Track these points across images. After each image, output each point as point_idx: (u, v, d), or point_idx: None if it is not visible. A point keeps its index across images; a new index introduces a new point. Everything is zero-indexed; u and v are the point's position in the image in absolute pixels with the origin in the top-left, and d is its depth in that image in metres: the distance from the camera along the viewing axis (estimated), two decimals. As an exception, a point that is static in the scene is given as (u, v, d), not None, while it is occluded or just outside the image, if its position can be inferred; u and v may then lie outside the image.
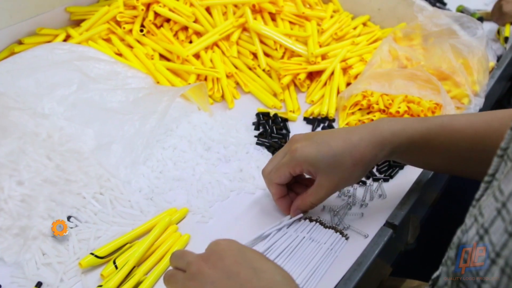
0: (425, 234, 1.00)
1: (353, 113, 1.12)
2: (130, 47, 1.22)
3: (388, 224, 0.84)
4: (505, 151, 0.51)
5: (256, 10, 1.29)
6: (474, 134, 0.77)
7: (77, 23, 1.25)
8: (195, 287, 0.60)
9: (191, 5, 1.27)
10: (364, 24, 1.38)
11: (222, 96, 1.16)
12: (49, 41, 1.18)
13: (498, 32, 1.47)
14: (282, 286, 0.57)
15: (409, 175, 0.95)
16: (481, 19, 1.46)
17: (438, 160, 0.82)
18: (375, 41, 1.31)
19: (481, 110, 1.10)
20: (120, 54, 1.20)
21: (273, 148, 1.02)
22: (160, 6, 1.23)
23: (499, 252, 0.45)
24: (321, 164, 0.77)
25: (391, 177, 0.96)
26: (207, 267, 0.59)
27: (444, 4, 1.59)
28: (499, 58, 1.31)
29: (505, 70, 1.28)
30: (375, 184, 0.94)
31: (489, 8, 1.58)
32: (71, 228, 0.82)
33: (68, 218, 0.83)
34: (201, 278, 0.59)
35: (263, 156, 1.00)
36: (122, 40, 1.23)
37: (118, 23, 1.24)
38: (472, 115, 0.83)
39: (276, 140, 1.04)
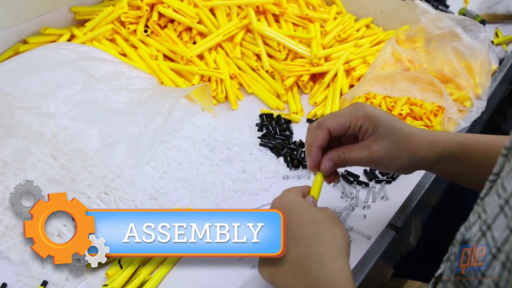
0: (426, 235, 1.00)
1: (355, 115, 1.12)
2: (134, 47, 1.22)
3: (390, 226, 0.84)
4: (509, 150, 0.51)
5: (260, 12, 1.30)
6: None
7: (82, 23, 1.26)
8: None
9: (195, 6, 1.27)
10: (367, 26, 1.39)
11: (226, 97, 1.16)
12: (53, 41, 1.19)
13: (496, 34, 1.48)
14: (315, 258, 0.60)
15: (411, 177, 0.96)
16: (483, 21, 1.47)
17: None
18: (378, 43, 1.32)
19: (483, 113, 1.10)
20: (124, 55, 1.20)
21: (276, 149, 1.02)
22: (164, 6, 1.23)
23: (500, 248, 0.46)
24: (383, 126, 0.73)
25: (394, 179, 0.97)
26: None
27: (447, 6, 1.60)
28: (501, 61, 1.32)
29: (507, 73, 1.29)
30: (378, 186, 0.94)
31: (492, 11, 1.59)
32: (75, 228, 0.82)
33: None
34: None
35: (267, 157, 1.01)
36: (126, 40, 1.23)
37: (122, 24, 1.24)
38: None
39: (280, 141, 1.04)
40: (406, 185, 0.94)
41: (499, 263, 0.45)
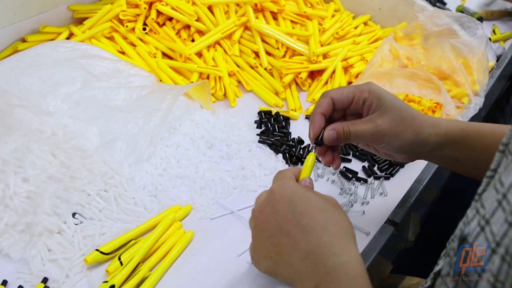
0: (423, 232, 1.01)
1: (354, 112, 1.13)
2: (133, 45, 1.23)
3: (389, 221, 0.85)
4: (506, 146, 0.52)
5: (258, 9, 1.30)
6: None
7: (80, 21, 1.26)
8: (258, 237, 0.67)
9: (194, 3, 1.28)
10: (365, 24, 1.39)
11: (224, 95, 1.17)
12: (52, 39, 1.19)
13: (494, 31, 1.48)
14: (327, 248, 0.59)
15: (410, 173, 0.97)
16: (480, 19, 1.47)
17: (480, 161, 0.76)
18: (375, 40, 1.32)
19: (481, 109, 1.11)
20: (123, 52, 1.20)
21: (275, 146, 1.03)
22: (162, 4, 1.24)
23: (499, 242, 0.46)
24: (388, 101, 0.73)
25: (392, 175, 0.97)
26: (263, 220, 0.65)
27: (444, 4, 1.60)
28: (498, 58, 1.32)
29: (504, 69, 1.29)
30: (376, 182, 0.95)
31: (489, 8, 1.59)
32: (76, 224, 0.83)
33: (73, 214, 0.83)
34: (260, 230, 0.66)
35: (265, 154, 1.01)
36: (124, 38, 1.23)
37: (120, 22, 1.24)
38: None
39: (278, 138, 1.05)
40: (404, 181, 0.95)
41: (499, 257, 0.45)
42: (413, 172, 0.96)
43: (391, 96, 0.75)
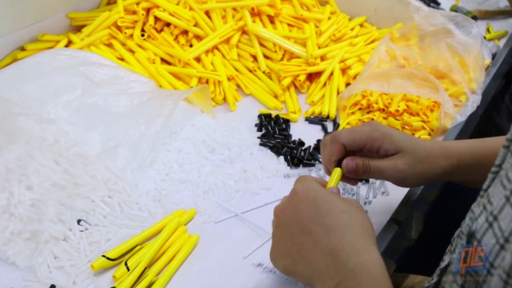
0: (424, 231, 1.01)
1: (353, 113, 1.13)
2: (132, 51, 1.23)
3: (393, 220, 0.85)
4: (511, 142, 0.52)
5: (255, 13, 1.31)
6: None
7: (78, 28, 1.26)
8: (279, 236, 0.67)
9: (191, 9, 1.28)
10: (361, 25, 1.40)
11: (224, 99, 1.17)
12: (51, 47, 1.19)
13: (488, 29, 1.50)
14: (350, 247, 0.59)
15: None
16: (474, 18, 1.48)
17: None
18: (372, 41, 1.33)
19: (478, 107, 1.11)
20: (122, 59, 1.21)
21: (276, 149, 1.03)
22: (160, 10, 1.24)
23: (507, 238, 0.47)
24: (404, 144, 0.75)
25: (393, 175, 0.98)
26: (285, 219, 0.65)
27: (438, 4, 1.62)
28: (493, 56, 1.34)
29: (500, 67, 1.30)
30: (378, 182, 0.96)
31: (482, 7, 1.61)
32: (81, 231, 0.83)
33: (78, 221, 0.84)
34: (281, 228, 0.66)
35: (267, 156, 1.02)
36: (123, 45, 1.24)
37: (119, 28, 1.25)
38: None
39: (279, 140, 1.05)
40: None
41: (509, 252, 0.46)
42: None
43: (405, 137, 0.77)
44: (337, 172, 0.76)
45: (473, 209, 0.56)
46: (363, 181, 0.95)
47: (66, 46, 1.21)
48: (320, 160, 1.01)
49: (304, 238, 0.63)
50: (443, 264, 0.65)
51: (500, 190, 0.50)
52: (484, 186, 0.56)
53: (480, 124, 1.28)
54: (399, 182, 0.78)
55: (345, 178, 0.78)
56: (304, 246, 0.62)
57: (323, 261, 0.61)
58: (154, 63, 1.20)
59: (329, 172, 0.78)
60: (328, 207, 0.63)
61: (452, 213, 1.23)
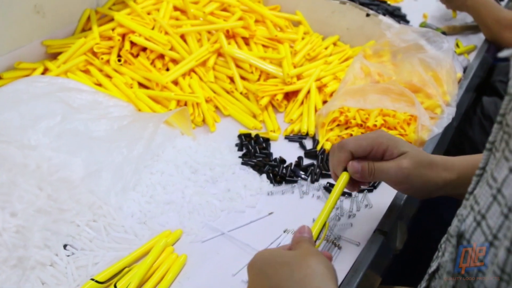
0: (405, 244, 1.03)
1: (331, 129, 1.15)
2: (109, 77, 1.23)
3: (378, 231, 0.87)
4: (493, 144, 0.54)
5: (230, 36, 1.33)
6: None
7: (54, 56, 1.26)
8: None
9: (166, 33, 1.29)
10: (335, 44, 1.42)
11: (203, 121, 1.18)
12: (27, 75, 1.19)
13: (457, 44, 1.54)
14: None
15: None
16: (444, 33, 1.52)
17: None
18: (346, 59, 1.35)
19: (453, 119, 1.14)
20: (99, 84, 1.21)
21: (258, 167, 1.04)
22: (136, 35, 1.25)
23: (496, 234, 0.48)
24: (408, 148, 0.79)
25: (375, 187, 0.99)
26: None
27: (407, 22, 1.65)
28: (464, 70, 1.37)
29: (471, 80, 1.33)
30: (361, 195, 0.97)
31: (450, 23, 1.65)
32: (68, 256, 0.82)
33: (64, 246, 0.83)
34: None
35: (249, 175, 1.02)
36: (100, 70, 1.24)
37: (95, 54, 1.25)
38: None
39: (260, 159, 1.06)
40: (387, 192, 0.96)
41: (503, 249, 0.46)
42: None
43: (408, 143, 0.81)
44: (343, 176, 0.79)
45: (459, 212, 0.58)
46: (345, 195, 0.96)
47: (43, 73, 1.20)
48: (302, 176, 1.02)
49: None
50: (431, 269, 0.66)
51: (487, 190, 0.51)
52: (469, 189, 0.58)
53: (454, 136, 1.30)
54: (401, 183, 0.79)
55: (349, 184, 0.81)
56: None
57: None
58: (131, 87, 1.21)
59: (336, 178, 0.81)
60: (271, 268, 0.62)
61: (428, 228, 1.25)
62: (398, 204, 0.92)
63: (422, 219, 1.28)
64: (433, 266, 0.66)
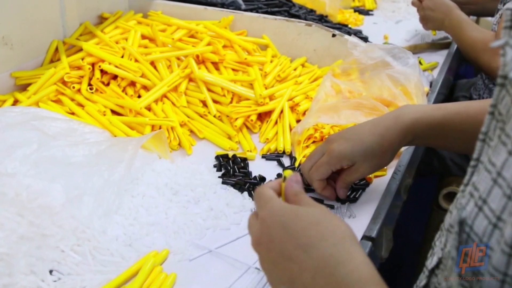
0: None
1: (307, 146, 1.16)
2: (81, 105, 1.22)
3: (365, 237, 0.87)
4: (486, 134, 0.55)
5: (200, 61, 1.34)
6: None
7: (24, 87, 1.25)
8: (266, 269, 0.64)
9: (136, 60, 1.29)
10: (303, 65, 1.45)
11: (179, 144, 1.17)
12: (-3, 107, 1.17)
13: (420, 62, 1.59)
14: (333, 260, 0.57)
15: (374, 195, 1.00)
16: (407, 52, 1.56)
17: (455, 143, 0.97)
18: (316, 79, 1.38)
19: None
20: (72, 113, 1.20)
21: (239, 186, 1.04)
22: (105, 64, 1.24)
23: (500, 216, 0.48)
24: (357, 157, 0.93)
25: (356, 198, 1.00)
26: (263, 251, 0.63)
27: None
28: (431, 84, 1.41)
29: (438, 94, 1.37)
30: (343, 207, 0.97)
31: (411, 43, 1.70)
32: (55, 281, 0.80)
33: (50, 272, 0.81)
34: (265, 261, 0.64)
35: (231, 194, 1.02)
36: (72, 100, 1.23)
37: (65, 84, 1.24)
38: (485, 101, 0.95)
39: (240, 178, 1.06)
40: (369, 201, 0.98)
41: (509, 225, 0.47)
42: (376, 192, 1.00)
43: (354, 145, 0.94)
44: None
45: (458, 201, 0.58)
46: (328, 207, 0.97)
47: (13, 105, 1.18)
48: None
49: (288, 265, 0.60)
50: (430, 266, 0.66)
51: (485, 175, 0.52)
52: (465, 181, 0.58)
53: (426, 148, 1.33)
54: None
55: (326, 190, 0.99)
56: (292, 272, 0.60)
57: (314, 281, 0.58)
58: (105, 115, 1.20)
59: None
60: (298, 225, 0.61)
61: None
62: (383, 209, 0.93)
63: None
64: (434, 260, 0.66)
